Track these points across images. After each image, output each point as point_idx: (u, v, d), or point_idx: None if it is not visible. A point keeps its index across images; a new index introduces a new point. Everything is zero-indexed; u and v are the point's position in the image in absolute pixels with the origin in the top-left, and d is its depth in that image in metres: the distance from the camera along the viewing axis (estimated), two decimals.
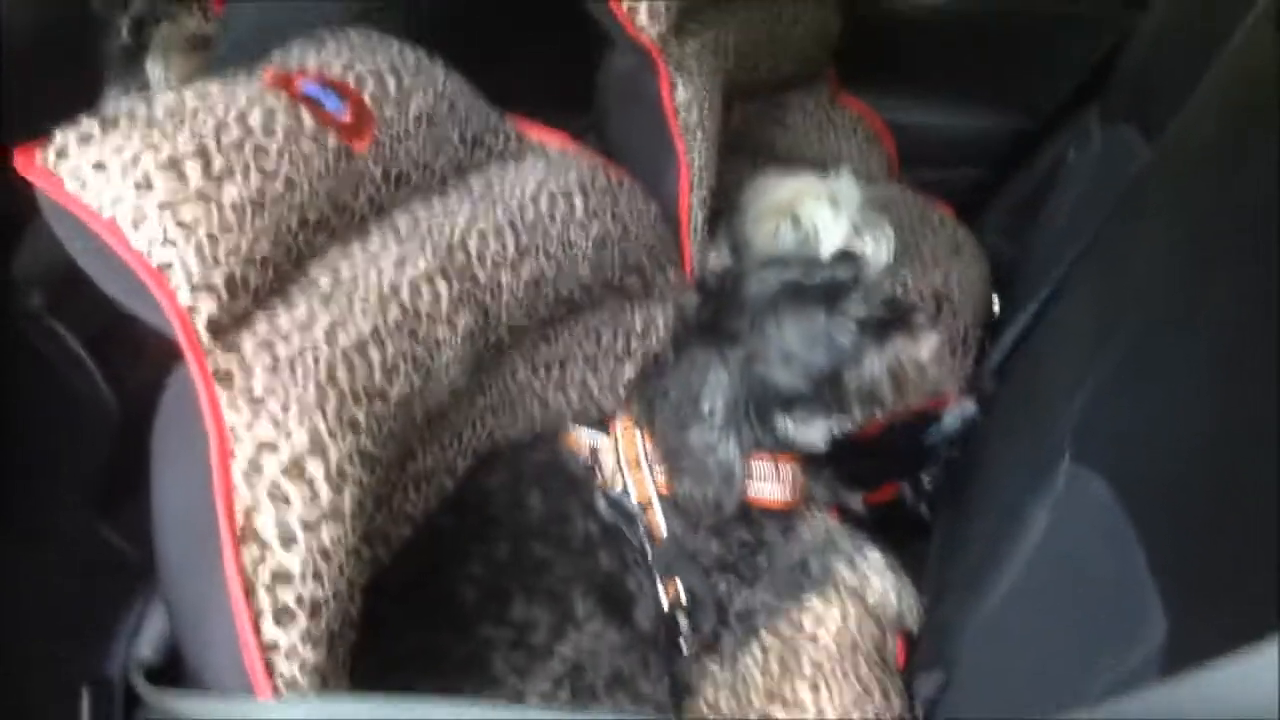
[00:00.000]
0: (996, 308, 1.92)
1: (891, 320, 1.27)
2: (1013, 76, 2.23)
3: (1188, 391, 1.06)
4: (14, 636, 1.41)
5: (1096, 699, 0.95)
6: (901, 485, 1.67)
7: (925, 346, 1.27)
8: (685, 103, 1.65)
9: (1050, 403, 1.31)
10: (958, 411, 1.61)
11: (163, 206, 0.92)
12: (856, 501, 1.49)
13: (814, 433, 1.31)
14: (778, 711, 1.17)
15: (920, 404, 1.39)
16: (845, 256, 1.33)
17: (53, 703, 0.98)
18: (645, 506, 1.28)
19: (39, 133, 0.97)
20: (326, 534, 0.87)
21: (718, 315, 1.28)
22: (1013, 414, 1.49)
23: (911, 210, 2.05)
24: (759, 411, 1.26)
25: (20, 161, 0.95)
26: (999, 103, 2.26)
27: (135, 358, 1.47)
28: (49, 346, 1.43)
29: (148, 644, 0.95)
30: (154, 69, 1.76)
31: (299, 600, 0.84)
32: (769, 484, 1.31)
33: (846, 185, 1.73)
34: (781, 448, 1.30)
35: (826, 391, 1.27)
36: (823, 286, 1.27)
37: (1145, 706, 0.66)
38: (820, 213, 1.70)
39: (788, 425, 1.29)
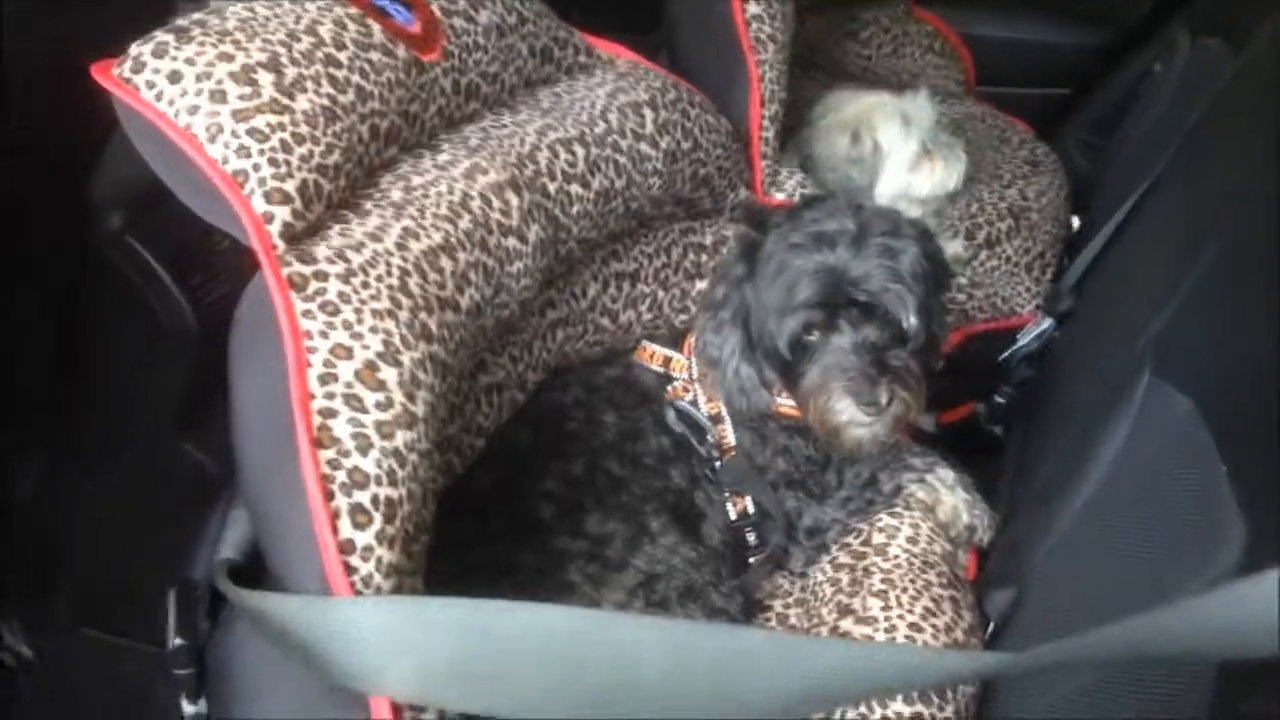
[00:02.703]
0: (1075, 224, 1.88)
1: (855, 369, 1.17)
2: None
3: (1274, 305, 1.03)
4: (103, 544, 1.46)
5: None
6: (977, 403, 1.65)
7: (842, 409, 1.18)
8: (756, 16, 1.62)
9: (1130, 319, 1.28)
10: (1035, 329, 1.58)
11: (236, 115, 0.93)
12: (929, 422, 1.48)
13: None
14: (848, 625, 1.17)
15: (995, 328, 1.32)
16: (905, 301, 1.20)
17: (141, 609, 1.01)
18: (715, 419, 1.28)
19: (113, 49, 0.98)
20: (400, 437, 0.88)
21: (766, 229, 1.26)
22: (1091, 331, 1.47)
23: (988, 126, 2.01)
24: (762, 348, 1.25)
25: (98, 74, 0.96)
26: (1080, 16, 2.19)
27: (213, 275, 1.50)
28: (129, 266, 1.46)
29: (231, 546, 0.97)
30: None
31: (374, 501, 0.85)
32: None
33: (920, 104, 1.69)
34: None
35: (776, 362, 1.24)
36: (824, 278, 1.19)
37: (1223, 603, 0.65)
38: (890, 131, 1.66)
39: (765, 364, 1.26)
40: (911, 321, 1.19)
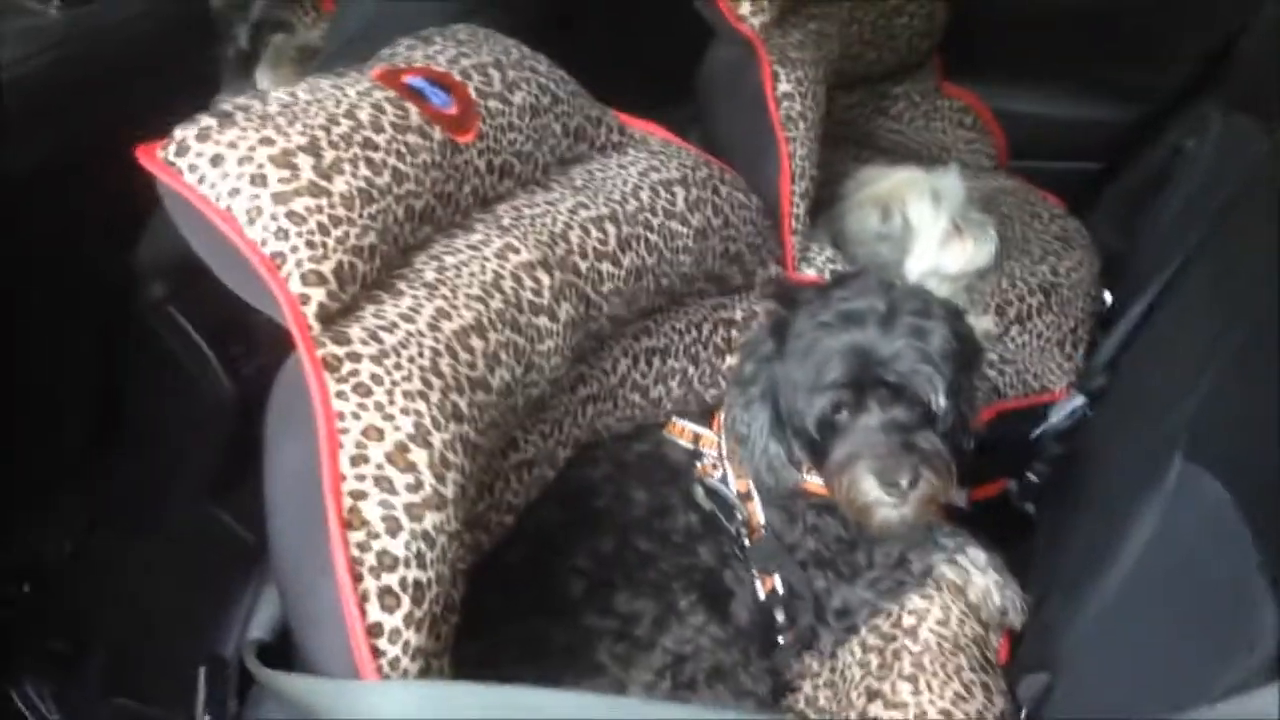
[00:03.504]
0: (1108, 301, 1.87)
1: (885, 448, 1.17)
2: (1126, 65, 2.16)
3: None
4: (133, 617, 1.47)
5: (1211, 703, 0.93)
6: (1008, 481, 1.64)
7: (869, 488, 1.17)
8: (787, 94, 1.64)
9: (1163, 399, 1.27)
10: (1067, 406, 1.57)
11: (276, 198, 0.95)
12: (961, 497, 1.47)
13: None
14: (877, 709, 1.15)
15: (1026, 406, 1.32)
16: (935, 375, 1.19)
17: (172, 680, 1.01)
18: (744, 497, 1.28)
19: (160, 130, 1.01)
20: (430, 520, 0.89)
21: (795, 307, 1.27)
22: (1123, 410, 1.46)
23: (1019, 201, 2.01)
24: (791, 426, 1.24)
25: (143, 156, 0.98)
26: (1111, 92, 2.20)
27: (251, 347, 1.52)
28: (170, 335, 1.48)
29: (261, 625, 0.98)
30: (264, 77, 1.82)
31: (403, 583, 0.86)
32: None
33: (950, 180, 1.69)
34: None
35: (804, 441, 1.23)
36: (854, 356, 1.19)
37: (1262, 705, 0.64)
38: (920, 207, 1.67)
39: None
40: (940, 403, 1.18)
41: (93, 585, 1.55)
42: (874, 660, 1.22)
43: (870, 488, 1.17)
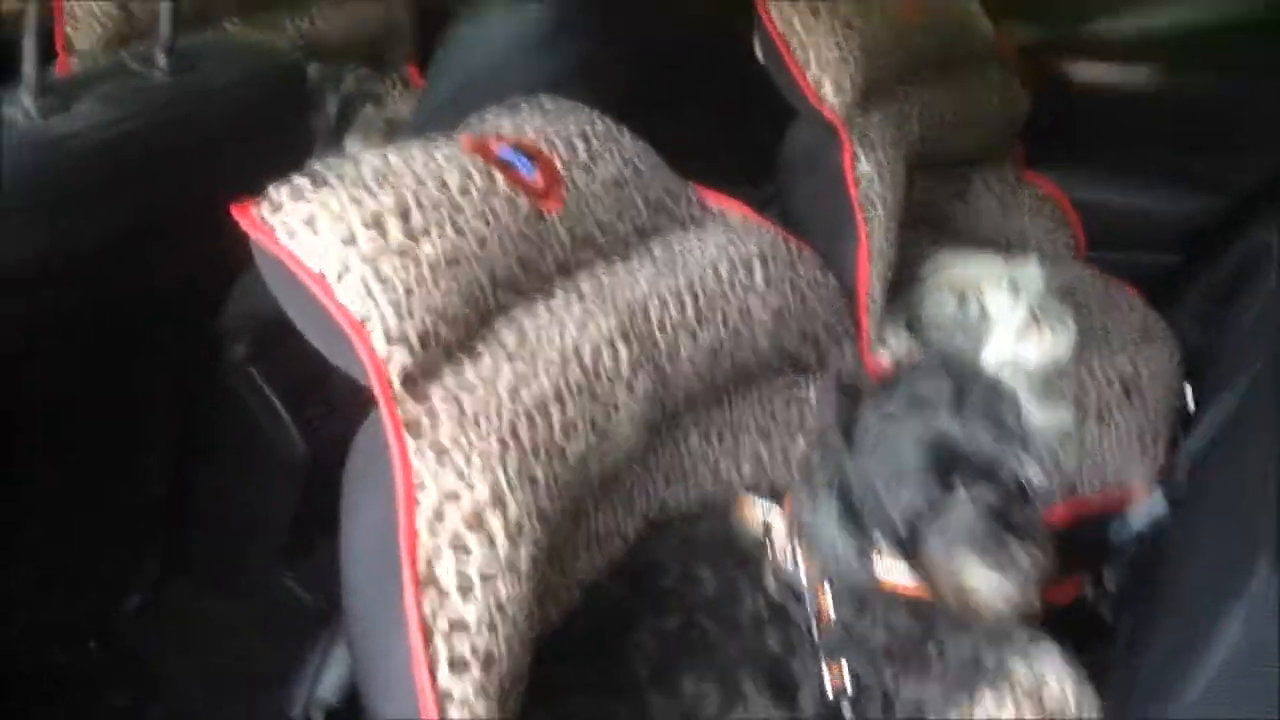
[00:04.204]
0: (1190, 398, 1.83)
1: (983, 533, 1.14)
2: (1208, 157, 2.15)
3: None
4: (201, 679, 1.48)
5: None
6: (1083, 582, 1.60)
7: (982, 579, 1.14)
8: (867, 175, 1.64)
9: (1246, 504, 1.24)
10: (1146, 508, 1.53)
11: (365, 260, 0.96)
12: (1033, 600, 1.43)
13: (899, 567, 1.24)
14: None
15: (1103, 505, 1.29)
16: (1019, 449, 1.18)
17: None
18: (814, 586, 1.25)
19: (253, 192, 1.03)
20: (503, 587, 0.88)
21: (861, 405, 1.25)
22: (1208, 512, 1.42)
23: (1098, 292, 1.99)
24: (862, 521, 1.21)
25: (238, 213, 1.00)
26: (1192, 184, 2.18)
27: (328, 409, 1.54)
28: (249, 395, 1.50)
29: (330, 687, 0.97)
30: (353, 147, 1.87)
31: (474, 651, 0.85)
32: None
33: (1029, 269, 1.68)
34: None
35: (894, 540, 1.19)
36: (941, 447, 1.16)
37: None
38: (998, 297, 1.66)
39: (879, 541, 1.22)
40: (1028, 475, 1.15)
41: (159, 640, 1.56)
42: None
43: (977, 573, 1.14)
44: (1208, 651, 1.12)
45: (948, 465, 1.16)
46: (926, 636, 1.24)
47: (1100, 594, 1.56)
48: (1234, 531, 1.22)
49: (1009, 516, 1.14)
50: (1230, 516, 1.29)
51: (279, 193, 1.00)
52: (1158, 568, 1.44)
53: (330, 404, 1.47)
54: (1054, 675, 1.25)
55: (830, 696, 1.22)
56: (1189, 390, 1.85)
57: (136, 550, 1.56)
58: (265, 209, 0.99)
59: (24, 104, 1.06)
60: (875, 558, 1.22)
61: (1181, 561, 1.39)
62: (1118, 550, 1.55)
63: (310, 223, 0.97)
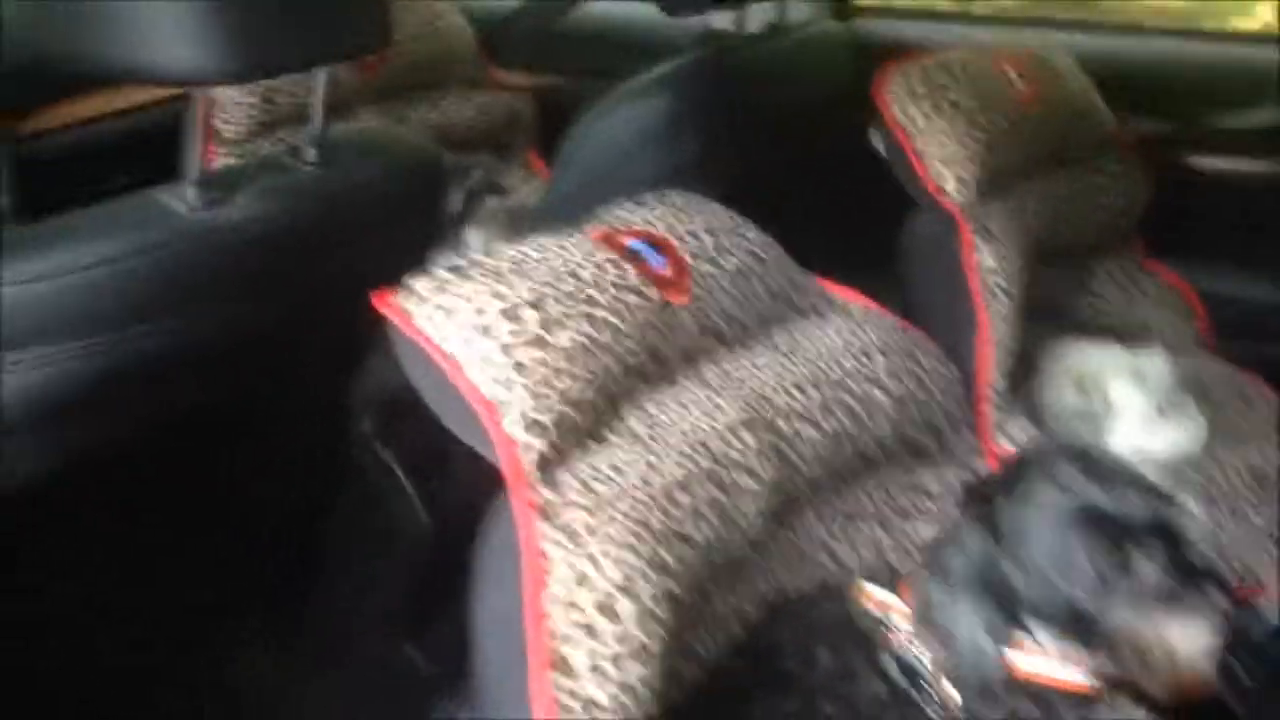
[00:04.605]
0: None
1: (1172, 591, 1.14)
2: None
3: None
4: None
5: None
6: (1215, 679, 1.55)
7: (1188, 637, 1.13)
8: (989, 266, 1.65)
9: None
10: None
11: (504, 349, 1.01)
12: (1162, 691, 1.39)
13: (1063, 652, 1.22)
14: None
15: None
16: (1165, 495, 1.20)
17: None
18: (936, 674, 1.25)
19: (387, 280, 1.08)
20: (633, 671, 0.90)
21: (998, 494, 1.25)
22: None
23: (1227, 384, 1.95)
24: (999, 601, 1.21)
25: (379, 301, 1.06)
26: None
27: (449, 483, 1.58)
28: (374, 469, 1.56)
29: None
30: (474, 237, 1.94)
31: None
32: (1059, 665, 1.25)
33: (1155, 362, 1.66)
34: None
35: (1067, 623, 1.18)
36: (1107, 518, 1.16)
37: None
38: (1123, 389, 1.64)
39: (1034, 628, 1.22)
40: (1191, 507, 1.17)
41: (274, 711, 1.59)
42: None
43: (1186, 633, 1.12)
44: None
45: (1111, 535, 1.15)
46: None
47: (1233, 688, 1.51)
48: None
49: (1189, 566, 1.13)
50: None
51: (421, 282, 1.05)
52: None
53: (452, 477, 1.51)
54: None
55: None
56: None
57: (255, 622, 1.60)
58: (407, 297, 1.05)
59: (187, 196, 1.12)
60: (1011, 649, 1.21)
61: None
62: (1251, 646, 1.49)
63: (450, 311, 1.03)
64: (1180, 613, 1.13)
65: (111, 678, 1.35)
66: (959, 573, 1.22)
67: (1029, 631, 1.22)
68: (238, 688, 1.59)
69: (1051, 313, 2.03)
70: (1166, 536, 1.16)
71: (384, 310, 1.06)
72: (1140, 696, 1.32)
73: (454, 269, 1.07)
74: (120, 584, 1.32)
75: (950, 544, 1.25)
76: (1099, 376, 1.65)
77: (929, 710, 1.23)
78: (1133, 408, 1.60)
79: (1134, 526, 1.15)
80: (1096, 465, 1.21)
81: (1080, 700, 1.25)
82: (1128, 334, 1.97)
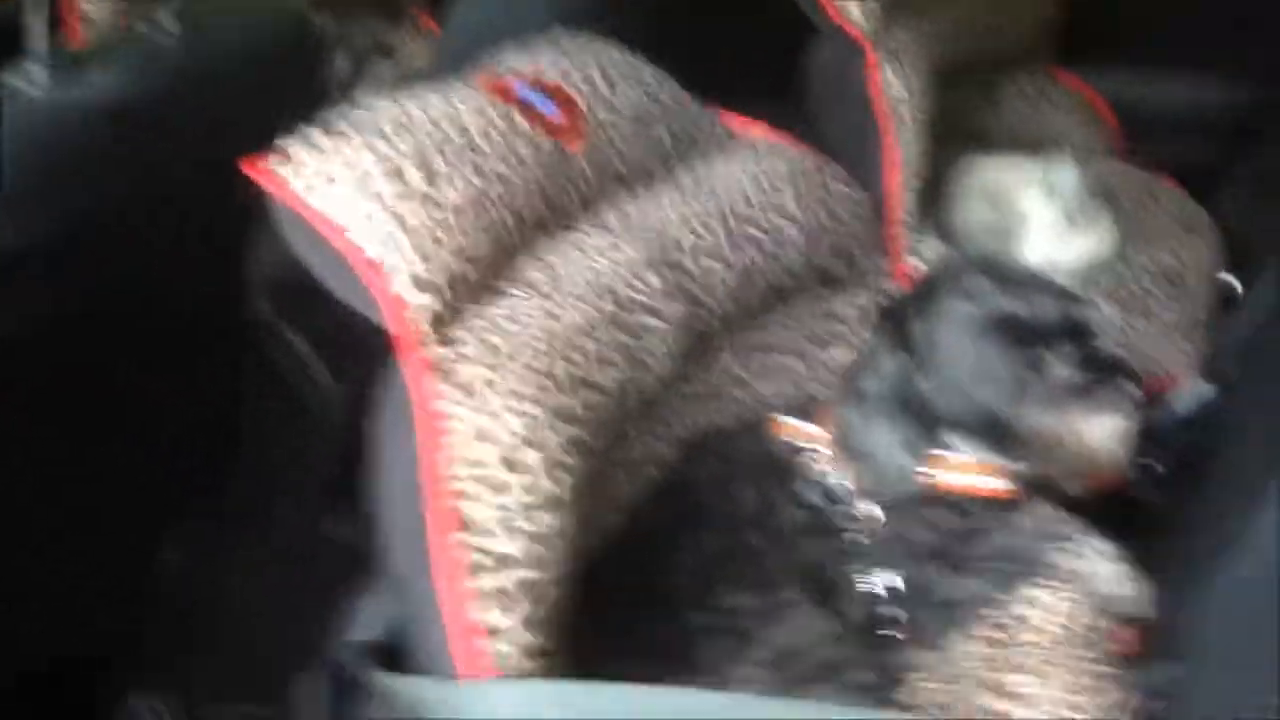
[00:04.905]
0: (1235, 286, 1.80)
1: (1083, 384, 1.18)
2: (1246, 43, 2.09)
3: None
4: (243, 625, 1.52)
5: None
6: (1129, 470, 1.59)
7: (1101, 428, 1.18)
8: (894, 88, 1.62)
9: None
10: (1190, 393, 1.52)
11: (387, 210, 0.98)
12: (1078, 487, 1.44)
13: (982, 456, 1.25)
14: (995, 702, 1.13)
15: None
16: (1071, 295, 1.23)
17: (275, 686, 1.04)
18: (855, 493, 1.27)
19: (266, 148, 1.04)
20: (544, 521, 0.90)
21: (908, 312, 1.26)
22: (1257, 397, 1.41)
23: (1136, 187, 1.96)
24: (917, 417, 1.23)
25: (250, 169, 1.02)
26: (1232, 72, 2.12)
27: (360, 356, 1.56)
28: (278, 351, 1.53)
29: (373, 630, 0.99)
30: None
31: (519, 585, 0.87)
32: (978, 474, 1.28)
33: (1064, 172, 1.66)
34: None
35: (986, 429, 1.21)
36: (1018, 322, 1.19)
37: None
38: (1033, 201, 1.64)
39: (953, 440, 1.25)
40: (1097, 306, 1.21)
41: (206, 595, 1.59)
42: (991, 653, 1.19)
43: (1094, 424, 1.17)
44: (1261, 531, 1.12)
45: (1024, 339, 1.18)
46: (970, 535, 1.26)
47: (1147, 481, 1.56)
48: None
49: (1100, 361, 1.18)
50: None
51: (292, 145, 1.01)
52: (1205, 453, 1.43)
53: (362, 352, 1.49)
54: (1101, 562, 1.25)
55: (873, 600, 1.24)
56: (1234, 280, 1.82)
57: (178, 505, 1.59)
58: (278, 162, 1.00)
59: (35, 77, 1.06)
60: (929, 464, 1.24)
61: (1230, 445, 1.39)
62: (1162, 437, 1.53)
63: (326, 173, 0.99)
64: (1094, 406, 1.17)
65: (34, 580, 1.34)
66: (875, 394, 1.23)
67: (947, 445, 1.25)
68: (166, 580, 1.58)
69: (959, 131, 2.01)
70: (1076, 335, 1.19)
71: (257, 179, 1.02)
72: (1057, 498, 1.36)
73: (326, 126, 1.03)
74: (30, 490, 1.29)
75: (865, 367, 1.26)
76: (1009, 190, 1.65)
77: (850, 530, 1.25)
78: (1043, 219, 1.60)
79: (1044, 328, 1.18)
80: (1005, 274, 1.24)
81: (998, 505, 1.29)
82: (1037, 146, 1.96)
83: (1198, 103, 2.14)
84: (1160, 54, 2.14)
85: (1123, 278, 1.74)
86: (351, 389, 1.46)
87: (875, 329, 1.30)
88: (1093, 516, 1.35)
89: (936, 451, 1.24)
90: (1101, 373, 1.19)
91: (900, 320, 1.26)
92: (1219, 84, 2.12)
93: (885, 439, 1.23)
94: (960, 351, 1.20)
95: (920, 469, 1.24)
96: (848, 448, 1.25)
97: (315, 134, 1.01)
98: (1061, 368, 1.19)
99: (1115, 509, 1.43)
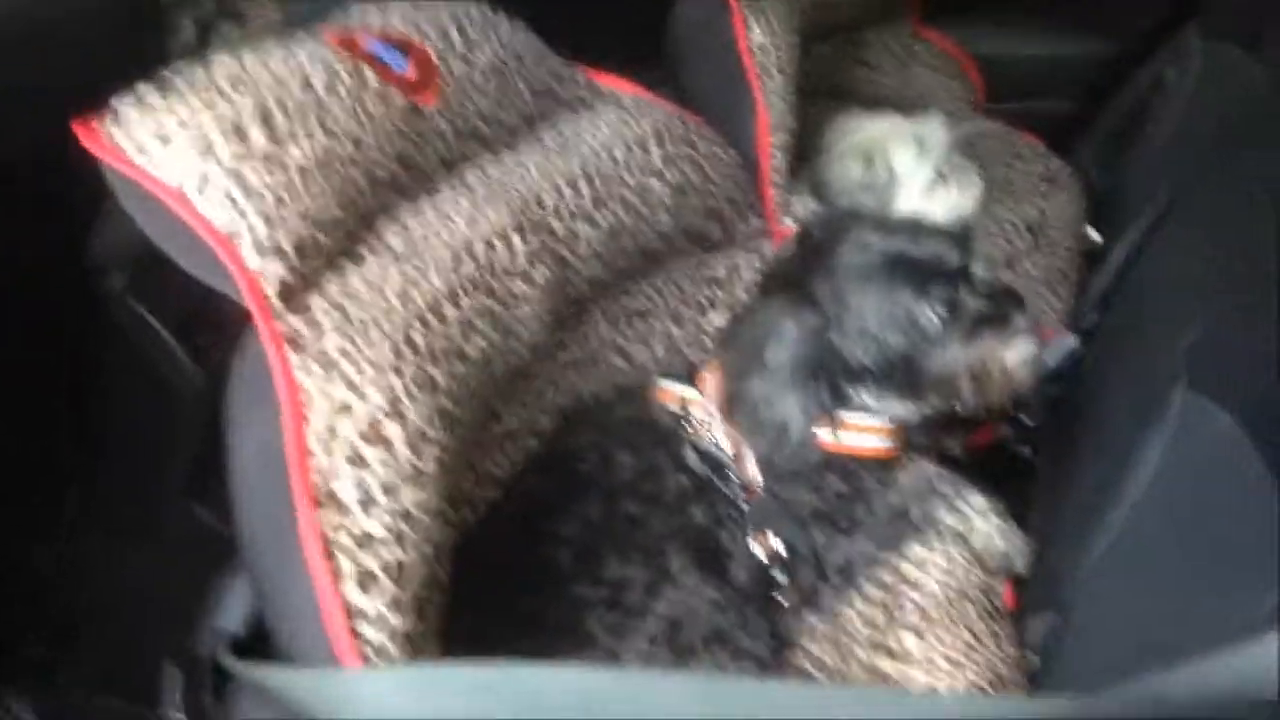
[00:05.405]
0: (1096, 238, 1.83)
1: (988, 315, 1.21)
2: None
3: None
4: (109, 617, 1.43)
5: (1232, 641, 0.90)
6: (1001, 426, 1.61)
7: (1016, 352, 1.20)
8: (761, 45, 1.59)
9: (1161, 334, 1.24)
10: (1058, 347, 1.54)
11: (227, 171, 0.91)
12: (955, 446, 1.44)
13: (886, 409, 1.26)
14: (884, 662, 1.12)
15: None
16: (960, 234, 1.25)
17: (145, 680, 0.98)
18: (738, 458, 1.24)
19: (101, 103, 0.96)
20: (408, 497, 0.85)
21: (805, 271, 1.24)
22: (1120, 347, 1.43)
23: (1001, 144, 1.98)
24: (827, 378, 1.22)
25: (82, 133, 0.94)
26: (1088, 28, 2.16)
27: (220, 334, 1.48)
28: (134, 328, 1.44)
29: (234, 618, 0.94)
30: None
31: (384, 566, 0.82)
32: (864, 436, 1.27)
33: (932, 127, 1.66)
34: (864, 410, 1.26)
35: (900, 374, 1.21)
36: (921, 264, 1.21)
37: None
38: (904, 156, 1.63)
39: (860, 396, 1.24)
40: (975, 251, 1.22)
41: (75, 590, 1.51)
42: (878, 614, 1.18)
43: (1010, 350, 1.19)
44: (1129, 479, 1.13)
45: (926, 279, 1.18)
46: (854, 496, 1.24)
47: (1019, 435, 1.57)
48: (1148, 362, 1.23)
49: (999, 291, 1.21)
50: (1143, 348, 1.30)
51: (124, 105, 0.93)
52: (1075, 405, 1.45)
53: (222, 328, 1.41)
54: (980, 519, 1.26)
55: (761, 565, 1.22)
56: (1094, 232, 1.85)
57: (44, 503, 1.50)
58: (110, 124, 0.92)
59: None
60: (821, 428, 1.22)
61: (1098, 397, 1.40)
62: (1034, 391, 1.55)
63: (161, 134, 0.91)
64: (1007, 333, 1.19)
65: None
66: (785, 363, 1.20)
67: (851, 403, 1.23)
68: (37, 572, 1.49)
69: (827, 89, 2.01)
70: (970, 270, 1.21)
71: (89, 144, 0.94)
72: (935, 456, 1.36)
73: (160, 84, 0.94)
74: None
75: (765, 337, 1.22)
76: (882, 147, 1.64)
77: (730, 493, 1.23)
78: (914, 175, 1.60)
79: (942, 266, 1.19)
80: (890, 223, 1.25)
81: (879, 466, 1.28)
82: (904, 103, 1.96)
83: (1057, 58, 2.17)
84: (1019, 10, 2.17)
85: (990, 232, 1.75)
86: (213, 366, 1.38)
87: (765, 295, 1.27)
88: (968, 470, 1.36)
89: (831, 413, 1.23)
90: (1005, 301, 1.22)
91: (798, 282, 1.23)
92: (1077, 39, 2.15)
93: (797, 410, 1.20)
94: (868, 301, 1.19)
95: (816, 434, 1.22)
96: (756, 422, 1.22)
97: (147, 92, 0.93)
98: (971, 300, 1.20)
99: (988, 464, 1.44)
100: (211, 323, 1.46)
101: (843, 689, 1.01)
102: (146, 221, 0.92)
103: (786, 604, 1.23)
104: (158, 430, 1.53)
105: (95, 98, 0.97)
